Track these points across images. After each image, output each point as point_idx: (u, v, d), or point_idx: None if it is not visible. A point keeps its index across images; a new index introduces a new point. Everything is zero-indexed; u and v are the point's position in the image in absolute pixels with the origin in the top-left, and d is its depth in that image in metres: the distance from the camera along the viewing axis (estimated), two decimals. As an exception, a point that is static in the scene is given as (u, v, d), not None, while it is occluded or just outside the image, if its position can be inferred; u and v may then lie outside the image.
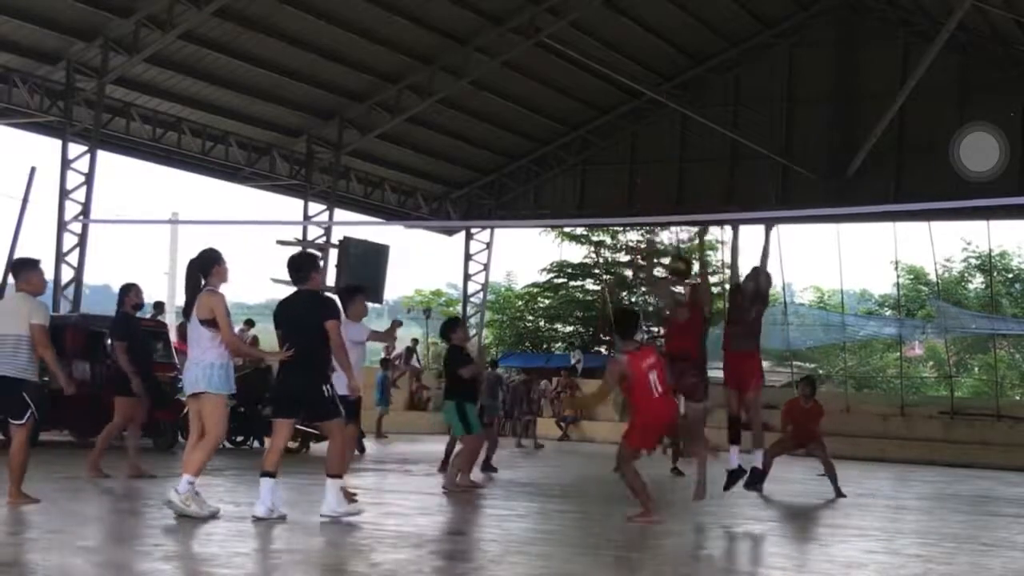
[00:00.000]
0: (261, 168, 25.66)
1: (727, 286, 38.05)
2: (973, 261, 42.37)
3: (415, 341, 31.56)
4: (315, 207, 27.15)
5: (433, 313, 38.44)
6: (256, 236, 64.12)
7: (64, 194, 21.27)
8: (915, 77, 22.78)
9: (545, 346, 39.67)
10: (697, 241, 11.75)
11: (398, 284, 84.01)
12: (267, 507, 8.59)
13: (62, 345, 15.96)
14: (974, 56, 25.42)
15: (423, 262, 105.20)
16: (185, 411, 15.00)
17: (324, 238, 26.28)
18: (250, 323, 24.71)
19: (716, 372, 11.76)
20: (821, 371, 39.85)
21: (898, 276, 37.98)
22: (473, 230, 31.36)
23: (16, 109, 20.87)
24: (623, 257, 39.89)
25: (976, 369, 41.71)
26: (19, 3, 19.47)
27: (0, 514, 8.40)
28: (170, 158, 24.76)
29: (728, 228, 34.47)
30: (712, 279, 39.73)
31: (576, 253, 40.11)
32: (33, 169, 19.08)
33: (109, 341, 15.72)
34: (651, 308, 38.81)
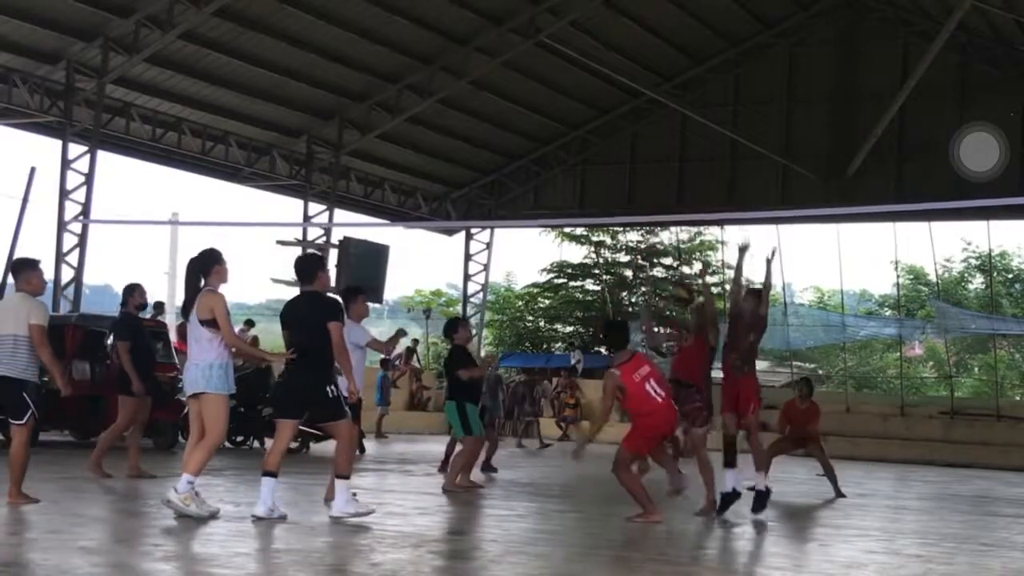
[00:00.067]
0: (261, 168, 25.66)
1: (727, 287, 38.26)
2: (973, 261, 42.40)
3: (415, 341, 31.57)
4: (315, 207, 27.16)
5: (433, 313, 38.47)
6: (256, 236, 64.20)
7: (64, 194, 21.28)
8: (915, 77, 22.78)
9: (545, 346, 39.67)
10: (700, 270, 11.76)
11: (398, 284, 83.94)
12: (267, 507, 8.59)
13: (62, 345, 16.00)
14: (974, 56, 25.43)
15: (423, 262, 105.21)
16: (185, 411, 15.04)
17: (324, 238, 26.28)
18: (250, 323, 24.73)
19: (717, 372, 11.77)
20: (821, 371, 39.92)
21: (898, 276, 38.01)
22: (473, 230, 31.36)
23: (16, 109, 20.87)
24: (623, 257, 39.91)
25: (976, 369, 41.73)
26: (19, 3, 19.47)
27: (0, 514, 8.40)
28: (170, 158, 24.76)
29: (728, 228, 34.60)
30: (712, 279, 40.02)
31: (576, 253, 40.14)
32: (33, 169, 19.10)
33: (110, 341, 15.79)
34: (651, 308, 38.86)
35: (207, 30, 21.52)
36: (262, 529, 8.27)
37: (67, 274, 21.45)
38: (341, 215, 27.89)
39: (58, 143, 21.38)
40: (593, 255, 39.53)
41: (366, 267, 24.53)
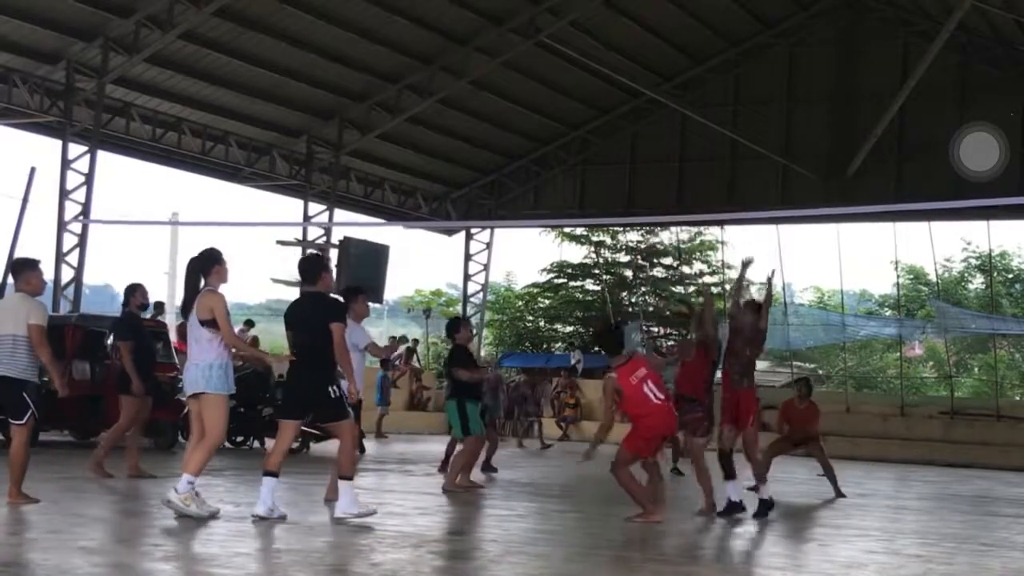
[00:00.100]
0: (261, 168, 25.66)
1: (726, 287, 38.28)
2: (973, 261, 42.42)
3: (415, 341, 31.58)
4: (315, 207, 27.15)
5: (433, 313, 38.47)
6: (256, 236, 64.17)
7: (64, 194, 21.27)
8: (915, 77, 22.77)
9: (545, 346, 39.67)
10: (703, 300, 11.76)
11: (398, 284, 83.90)
12: (267, 506, 8.60)
13: (62, 345, 16.00)
14: (974, 56, 25.42)
15: (423, 262, 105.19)
16: (185, 411, 15.04)
17: (324, 238, 26.28)
18: (250, 323, 24.73)
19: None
20: (821, 371, 39.94)
21: (898, 276, 38.00)
22: (473, 230, 31.36)
23: (16, 109, 20.87)
24: (623, 257, 39.92)
25: (976, 369, 41.74)
26: (19, 3, 19.47)
27: (0, 514, 8.40)
28: (170, 158, 24.76)
29: (728, 228, 34.59)
30: (711, 279, 40.03)
31: (576, 253, 40.14)
32: (33, 169, 19.09)
33: (110, 341, 15.79)
34: (651, 308, 38.90)
35: (207, 30, 21.52)
36: (262, 529, 8.27)
37: (67, 274, 21.45)
38: (341, 215, 27.89)
39: (58, 143, 21.38)
40: (593, 255, 39.53)
41: (366, 267, 24.53)
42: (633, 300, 38.76)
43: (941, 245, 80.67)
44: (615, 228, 37.18)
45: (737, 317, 11.05)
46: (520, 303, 42.63)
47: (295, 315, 9.11)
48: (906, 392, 32.37)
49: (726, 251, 37.69)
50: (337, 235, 25.70)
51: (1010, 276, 42.73)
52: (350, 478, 8.89)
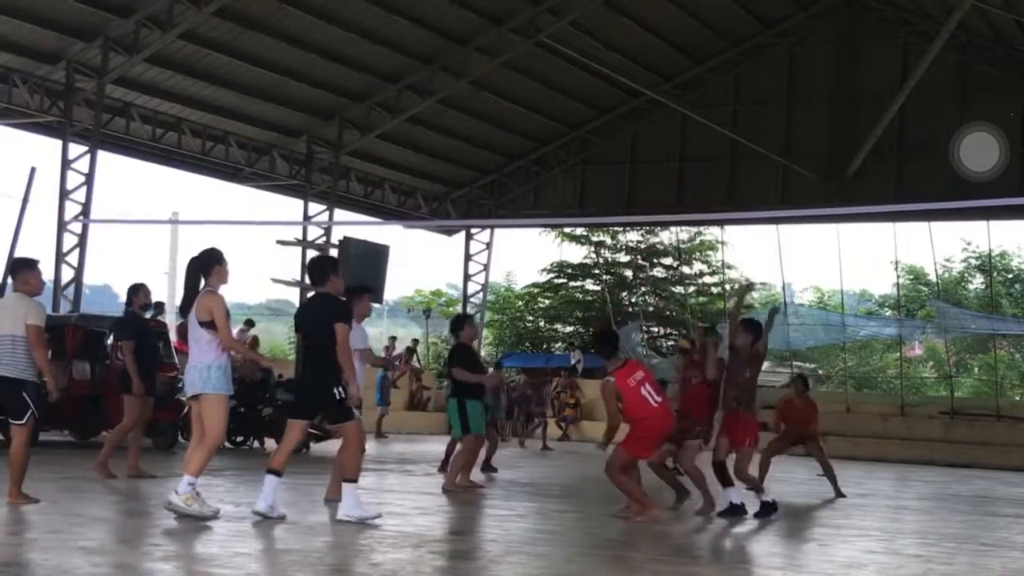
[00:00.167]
0: (261, 168, 25.66)
1: (726, 287, 38.18)
2: (973, 261, 42.42)
3: (415, 341, 31.57)
4: (315, 207, 27.16)
5: (433, 313, 38.47)
6: (256, 236, 64.22)
7: (64, 194, 21.27)
8: (915, 77, 22.77)
9: (545, 346, 39.67)
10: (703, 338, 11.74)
11: (398, 284, 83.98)
12: (268, 503, 8.61)
13: (62, 345, 16.01)
14: (974, 56, 25.43)
15: (423, 262, 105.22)
16: (185, 411, 15.04)
17: (324, 238, 26.28)
18: (250, 323, 24.74)
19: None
20: (821, 371, 39.94)
21: (898, 276, 38.01)
22: (473, 230, 31.37)
23: (16, 109, 20.87)
24: (623, 257, 39.94)
25: (976, 369, 41.74)
26: (19, 3, 19.47)
27: (0, 514, 8.40)
28: (170, 158, 24.76)
29: (727, 228, 34.60)
30: (711, 279, 40.03)
31: (576, 253, 40.16)
32: (33, 169, 19.09)
33: (110, 341, 15.80)
34: (651, 308, 38.91)
35: (207, 30, 21.52)
36: (262, 529, 8.27)
37: (67, 274, 21.44)
38: (341, 215, 27.90)
39: (58, 143, 21.38)
40: (593, 255, 39.54)
41: (366, 267, 24.50)
42: (633, 300, 38.77)
43: (941, 245, 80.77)
44: (615, 228, 37.18)
45: (735, 340, 11.02)
46: (520, 303, 42.64)
47: (303, 316, 9.23)
48: (906, 392, 32.38)
49: (726, 251, 37.76)
50: (337, 235, 25.70)
51: (1010, 276, 42.73)
52: (354, 480, 8.88)
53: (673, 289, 39.47)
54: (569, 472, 17.27)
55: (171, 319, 23.54)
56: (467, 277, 31.91)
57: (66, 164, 21.24)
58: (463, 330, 12.67)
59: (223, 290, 8.76)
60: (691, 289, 39.18)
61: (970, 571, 8.33)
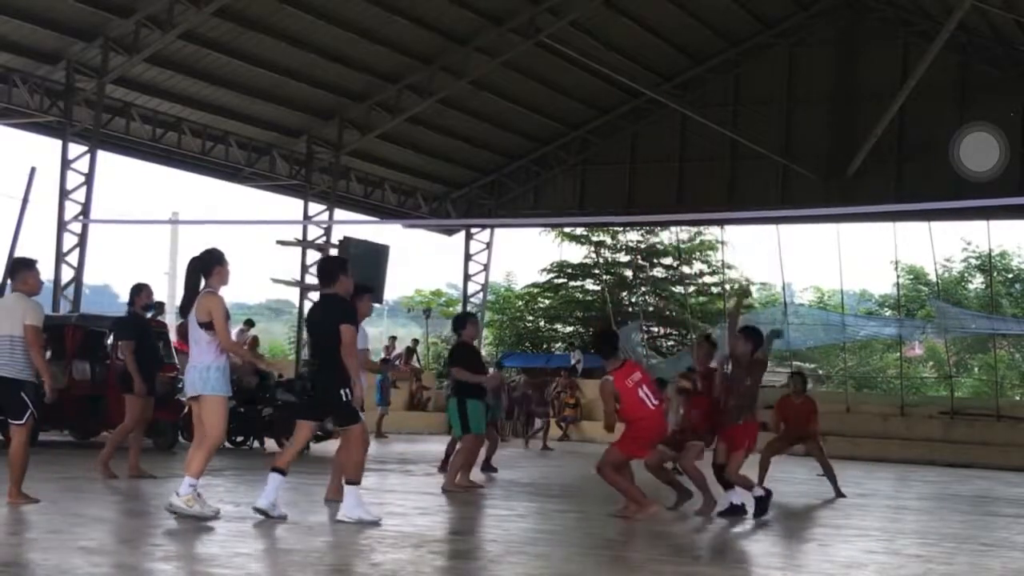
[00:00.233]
0: (261, 168, 25.66)
1: (726, 287, 38.18)
2: (973, 261, 42.44)
3: (415, 341, 31.59)
4: (315, 207, 27.16)
5: (433, 313, 38.48)
6: (256, 236, 64.22)
7: (64, 194, 21.27)
8: (915, 77, 22.77)
9: (545, 346, 39.69)
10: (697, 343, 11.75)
11: (398, 284, 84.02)
12: (270, 501, 8.62)
13: (62, 345, 16.02)
14: (974, 56, 25.42)
15: (423, 262, 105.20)
16: (185, 411, 15.05)
17: (324, 238, 26.29)
18: (250, 323, 24.74)
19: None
20: (821, 371, 39.94)
21: (898, 276, 38.02)
22: (473, 230, 31.38)
23: (16, 109, 20.86)
24: (623, 257, 39.95)
25: (976, 369, 41.75)
26: (19, 3, 19.47)
27: (0, 514, 8.40)
28: (170, 158, 24.76)
29: (727, 228, 34.60)
30: (711, 279, 40.02)
31: (576, 253, 40.17)
32: (33, 169, 19.11)
33: (110, 340, 15.81)
34: (651, 308, 38.92)
35: (207, 30, 21.52)
36: (262, 529, 8.28)
37: (67, 274, 21.43)
38: (341, 215, 27.89)
39: (58, 143, 21.37)
40: (593, 255, 39.55)
41: (366, 267, 24.49)
42: (633, 300, 38.78)
43: (941, 245, 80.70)
44: (615, 228, 37.18)
45: (735, 347, 11.01)
46: (520, 303, 42.65)
47: (312, 318, 9.30)
48: (906, 392, 32.38)
49: (726, 251, 37.77)
50: (337, 235, 25.71)
51: (1010, 276, 42.74)
52: (356, 483, 8.88)
53: (673, 289, 39.49)
54: (569, 472, 17.26)
55: (171, 319, 23.55)
56: (467, 277, 31.91)
57: (66, 164, 21.23)
58: (465, 329, 12.66)
59: (223, 291, 8.75)
60: (691, 289, 39.19)
61: (970, 571, 8.33)
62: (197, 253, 8.79)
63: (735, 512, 10.68)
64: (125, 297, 12.78)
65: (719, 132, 26.80)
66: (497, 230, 32.18)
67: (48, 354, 15.78)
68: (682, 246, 38.76)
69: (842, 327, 31.96)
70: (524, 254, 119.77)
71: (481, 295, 32.27)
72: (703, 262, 40.25)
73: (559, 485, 14.88)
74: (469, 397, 12.26)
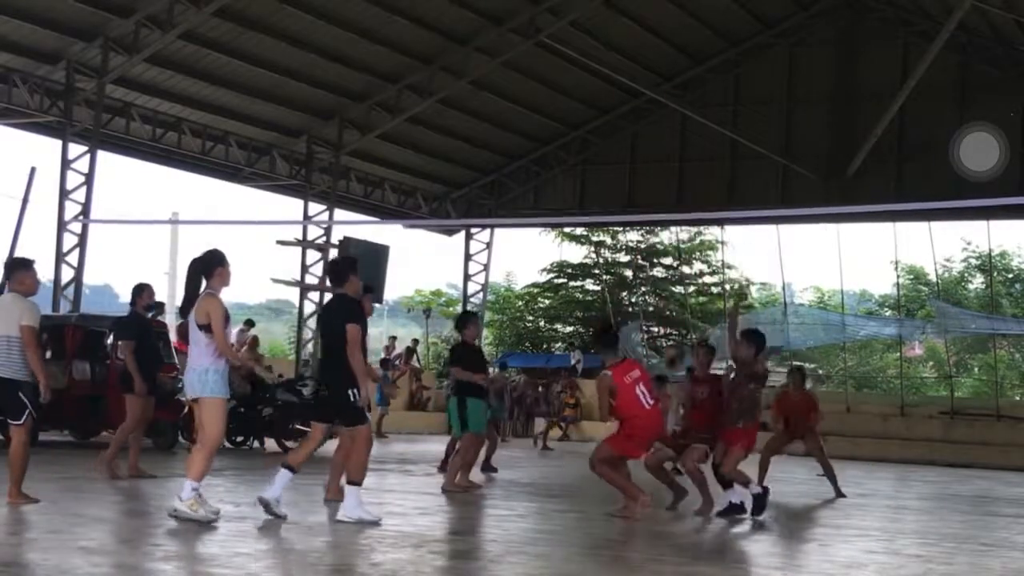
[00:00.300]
0: (261, 168, 25.66)
1: (726, 287, 38.13)
2: (973, 261, 42.46)
3: (415, 341, 31.59)
4: (315, 207, 27.15)
5: (433, 313, 38.49)
6: (256, 236, 64.23)
7: (64, 194, 21.27)
8: (915, 77, 22.77)
9: (545, 346, 39.70)
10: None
11: (398, 284, 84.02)
12: (275, 496, 8.65)
13: (62, 345, 16.02)
14: (974, 56, 25.42)
15: (423, 262, 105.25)
16: (185, 411, 15.06)
17: (324, 238, 26.28)
18: (250, 323, 24.72)
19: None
20: (821, 371, 39.94)
21: (898, 276, 38.03)
22: (473, 230, 31.38)
23: (16, 109, 20.86)
24: (623, 257, 39.97)
25: (976, 369, 41.76)
26: (19, 3, 19.47)
27: (0, 514, 8.40)
28: (170, 158, 24.76)
29: (727, 228, 34.61)
30: (711, 279, 40.02)
31: (576, 253, 40.19)
32: (33, 169, 19.09)
33: (110, 340, 15.81)
34: (651, 308, 38.93)
35: (207, 30, 21.51)
36: (262, 529, 8.28)
37: (67, 274, 21.43)
38: (341, 215, 27.89)
39: (58, 143, 21.37)
40: (593, 255, 39.57)
41: (366, 267, 24.32)
42: (633, 300, 38.79)
43: (941, 245, 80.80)
44: (615, 228, 37.19)
45: (737, 351, 11.00)
46: (520, 303, 42.67)
47: (321, 318, 9.34)
48: (906, 392, 32.39)
49: (726, 251, 37.78)
50: (337, 235, 25.70)
51: (1010, 276, 42.76)
52: (358, 483, 8.88)
53: (673, 289, 39.50)
54: (569, 472, 17.26)
55: (171, 319, 23.55)
56: (467, 277, 31.91)
57: (66, 164, 21.24)
58: (467, 328, 12.67)
59: (224, 291, 8.73)
60: (691, 289, 39.20)
61: (970, 571, 8.33)
62: (198, 254, 8.76)
63: (734, 511, 10.68)
64: (125, 297, 12.83)
65: (719, 132, 26.80)
66: (497, 230, 32.18)
67: (48, 354, 15.86)
68: (682, 246, 38.77)
69: (842, 327, 31.98)
70: (524, 254, 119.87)
71: (481, 295, 32.27)
72: (703, 262, 40.28)
73: (559, 485, 14.88)
74: (469, 396, 12.26)
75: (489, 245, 31.55)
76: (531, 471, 16.87)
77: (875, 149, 24.74)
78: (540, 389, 28.99)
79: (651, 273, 39.54)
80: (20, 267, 9.30)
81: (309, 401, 17.74)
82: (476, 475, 13.31)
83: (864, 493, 15.27)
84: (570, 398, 28.32)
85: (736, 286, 39.45)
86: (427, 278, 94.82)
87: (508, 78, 26.06)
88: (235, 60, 22.53)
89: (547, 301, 41.30)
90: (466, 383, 12.30)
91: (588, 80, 26.50)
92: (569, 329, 40.50)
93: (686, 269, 39.65)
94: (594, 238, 39.09)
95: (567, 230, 38.22)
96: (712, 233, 38.11)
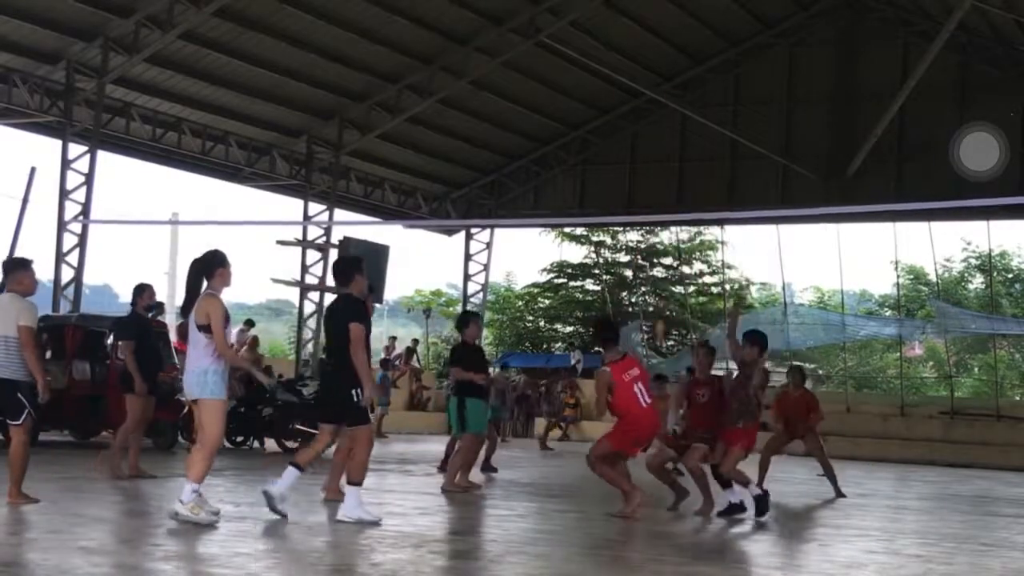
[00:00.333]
0: (261, 168, 25.67)
1: (726, 287, 38.16)
2: (973, 261, 42.45)
3: (415, 341, 31.59)
4: (315, 207, 27.16)
5: (433, 313, 38.49)
6: (256, 236, 64.25)
7: (64, 194, 21.28)
8: (915, 77, 22.78)
9: (545, 346, 39.70)
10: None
11: (398, 284, 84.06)
12: (280, 492, 8.69)
13: (62, 345, 16.02)
14: (974, 56, 25.43)
15: (423, 262, 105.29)
16: (185, 411, 15.06)
17: (324, 238, 26.28)
18: (250, 323, 24.73)
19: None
20: (821, 371, 39.94)
21: (898, 276, 38.02)
22: (473, 230, 31.38)
23: (16, 109, 20.87)
24: (623, 257, 39.96)
25: (976, 369, 41.75)
26: (19, 3, 19.48)
27: (0, 514, 8.40)
28: (170, 158, 24.77)
29: (727, 228, 34.62)
30: (711, 279, 40.01)
31: (576, 253, 40.20)
32: (33, 169, 19.10)
33: (110, 340, 15.81)
34: (651, 308, 38.93)
35: (207, 30, 21.52)
36: (262, 529, 8.28)
37: (67, 274, 21.45)
38: (341, 215, 27.90)
39: (58, 143, 21.38)
40: (593, 255, 39.57)
41: (366, 267, 24.47)
42: (633, 300, 38.79)
43: (941, 245, 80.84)
44: (615, 228, 37.19)
45: (739, 353, 10.99)
46: (520, 303, 42.67)
47: (327, 318, 9.36)
48: (906, 392, 32.38)
49: (726, 251, 37.78)
50: (337, 235, 25.70)
51: (1010, 276, 42.76)
52: (359, 484, 8.87)
53: (673, 289, 39.50)
54: (569, 472, 17.25)
55: (171, 319, 23.56)
56: (467, 277, 31.92)
57: (66, 164, 21.25)
58: (468, 328, 12.66)
59: (224, 292, 8.72)
60: (691, 289, 39.20)
61: (970, 571, 8.33)
62: (199, 254, 8.74)
63: (734, 510, 10.68)
64: (125, 297, 12.85)
65: (719, 132, 26.81)
66: (497, 230, 32.18)
67: (48, 354, 15.86)
68: (682, 246, 38.77)
69: (842, 327, 31.98)
70: (524, 254, 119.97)
71: (481, 295, 32.27)
72: (703, 262, 40.28)
73: (559, 485, 14.87)
74: (469, 396, 12.26)
75: (489, 245, 31.56)
76: (531, 471, 16.87)
77: (875, 149, 24.74)
78: (541, 389, 28.99)
79: (651, 273, 39.53)
80: (18, 267, 9.29)
81: (309, 401, 17.77)
82: (476, 475, 13.31)
83: (864, 493, 15.27)
84: (570, 398, 28.34)
85: (736, 287, 39.45)
86: (427, 278, 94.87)
87: (508, 78, 26.07)
88: (235, 60, 22.54)
89: (547, 301, 41.30)
90: (466, 383, 12.30)
91: (588, 80, 26.51)
92: (569, 329, 40.51)
93: (686, 269, 39.66)
94: (594, 238, 39.09)
95: (567, 230, 38.23)
96: (712, 233, 38.13)
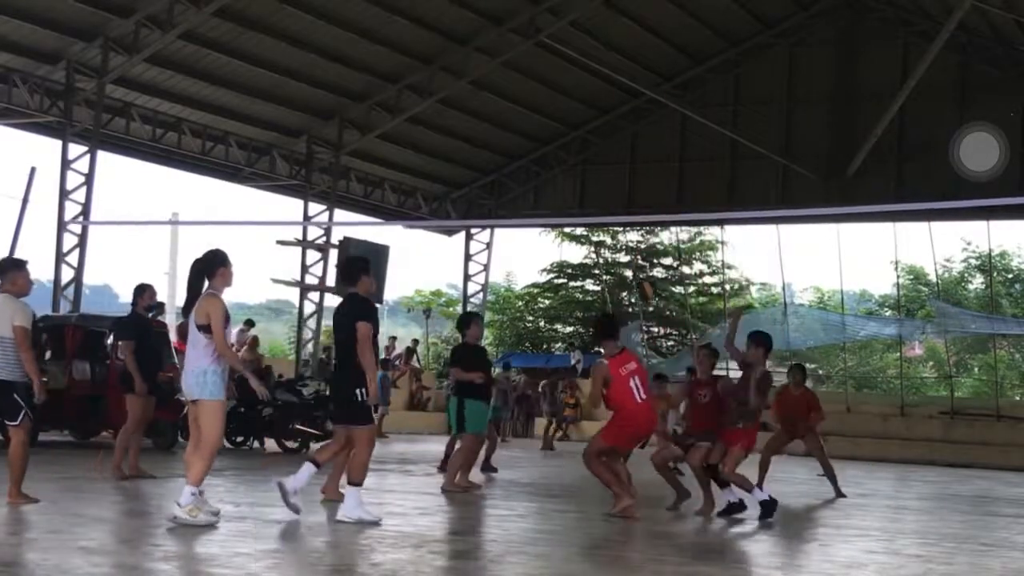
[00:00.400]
0: (261, 168, 25.67)
1: (726, 287, 38.14)
2: (973, 261, 42.47)
3: (415, 341, 31.60)
4: (315, 207, 27.16)
5: (433, 313, 38.49)
6: (256, 236, 64.24)
7: (64, 194, 21.28)
8: (915, 77, 22.78)
9: (545, 346, 39.70)
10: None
11: (398, 284, 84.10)
12: (295, 487, 8.76)
13: (62, 345, 16.02)
14: (974, 56, 25.43)
15: (423, 262, 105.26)
16: (185, 411, 15.04)
17: (324, 238, 26.28)
18: (250, 323, 24.73)
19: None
20: (821, 371, 39.95)
21: (898, 276, 38.04)
22: (473, 230, 31.38)
23: (16, 109, 20.87)
24: (623, 257, 39.96)
25: (976, 369, 41.76)
26: (19, 3, 19.48)
27: (0, 514, 8.40)
28: (170, 158, 24.77)
29: (727, 228, 34.61)
30: (711, 279, 40.01)
31: (576, 253, 40.20)
32: (33, 169, 19.11)
33: (110, 340, 15.81)
34: (651, 308, 38.93)
35: (207, 30, 21.52)
36: (262, 529, 8.28)
37: (67, 274, 21.45)
38: (341, 215, 27.91)
39: (58, 143, 21.38)
40: (593, 255, 39.57)
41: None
42: (633, 300, 38.79)
43: (941, 245, 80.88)
44: (615, 228, 37.18)
45: (735, 353, 10.98)
46: (520, 303, 42.67)
47: (334, 318, 9.36)
48: (906, 392, 32.39)
49: (726, 251, 37.78)
50: (337, 235, 25.69)
51: (1010, 276, 42.77)
52: (359, 484, 8.88)
53: (673, 289, 39.50)
54: (569, 472, 17.25)
55: (171, 319, 23.55)
56: (467, 277, 31.92)
57: (66, 164, 21.24)
58: (469, 329, 12.66)
59: (224, 292, 8.70)
60: (691, 289, 39.20)
61: (970, 571, 8.33)
62: (200, 254, 8.71)
63: (733, 510, 10.68)
64: (125, 297, 12.85)
65: (719, 132, 26.81)
66: (497, 230, 32.18)
67: (48, 354, 15.87)
68: (682, 246, 38.78)
69: (842, 327, 31.97)
70: (524, 254, 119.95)
71: (481, 295, 32.28)
72: (703, 262, 40.29)
73: (559, 485, 14.87)
74: (469, 397, 12.26)
75: (489, 245, 31.56)
76: (531, 471, 16.87)
77: (875, 149, 24.74)
78: (541, 389, 29.00)
79: (651, 273, 39.53)
80: (12, 267, 9.28)
81: (309, 401, 17.77)
82: (476, 475, 13.31)
83: (864, 493, 15.27)
84: (570, 398, 28.34)
85: (736, 287, 39.44)
86: (427, 278, 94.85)
87: (508, 78, 26.07)
88: (235, 60, 22.54)
89: (547, 301, 41.31)
90: (466, 384, 12.30)
91: (588, 80, 26.51)
92: (569, 329, 40.52)
93: (686, 269, 39.66)
94: (594, 238, 39.09)
95: (567, 230, 38.23)
96: (712, 233, 38.14)
